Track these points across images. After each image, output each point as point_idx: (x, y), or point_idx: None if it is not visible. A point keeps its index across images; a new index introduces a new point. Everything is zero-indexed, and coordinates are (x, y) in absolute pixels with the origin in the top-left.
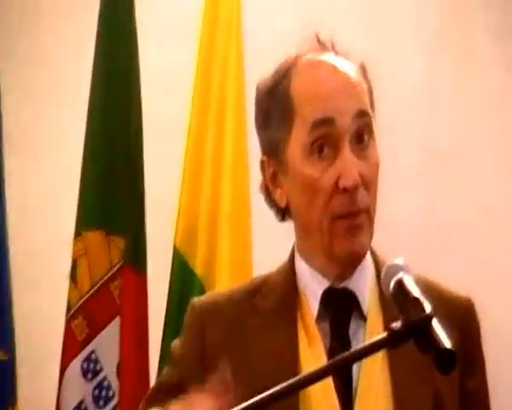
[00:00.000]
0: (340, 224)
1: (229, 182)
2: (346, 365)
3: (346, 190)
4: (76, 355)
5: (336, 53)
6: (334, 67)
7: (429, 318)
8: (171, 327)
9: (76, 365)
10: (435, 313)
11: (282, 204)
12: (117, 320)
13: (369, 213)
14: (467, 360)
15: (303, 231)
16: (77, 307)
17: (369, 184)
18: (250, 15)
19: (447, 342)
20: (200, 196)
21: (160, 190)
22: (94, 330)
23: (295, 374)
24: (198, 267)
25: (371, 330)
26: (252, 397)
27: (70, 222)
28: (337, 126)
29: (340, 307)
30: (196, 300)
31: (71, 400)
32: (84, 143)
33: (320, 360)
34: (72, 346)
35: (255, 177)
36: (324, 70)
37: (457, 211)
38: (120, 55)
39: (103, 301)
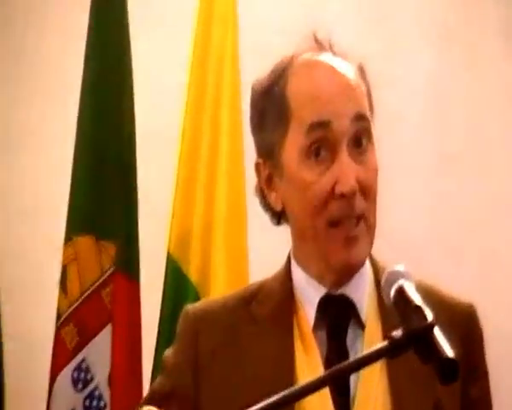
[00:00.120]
0: (337, 234)
1: (225, 186)
2: (347, 374)
3: (342, 195)
4: (66, 364)
5: (334, 53)
6: (332, 68)
7: (431, 326)
8: (165, 335)
9: (66, 374)
10: (437, 319)
11: (278, 208)
12: (108, 328)
13: (366, 219)
14: (469, 368)
15: (299, 238)
16: (67, 314)
17: (367, 190)
18: (246, 14)
19: (450, 352)
20: (194, 200)
21: (154, 193)
22: (85, 338)
23: (291, 384)
24: (192, 274)
25: (370, 338)
26: (247, 408)
27: (60, 227)
28: (334, 130)
29: (337, 315)
30: (190, 307)
31: None
32: (75, 145)
33: (316, 370)
34: (62, 354)
35: (251, 181)
36: (322, 71)
37: (463, 218)
38: (112, 54)
39: (94, 308)
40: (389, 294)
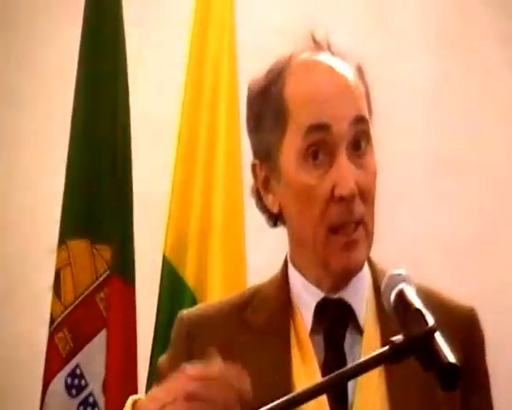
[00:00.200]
0: (336, 239)
1: (222, 188)
2: (344, 381)
3: (342, 199)
4: (59, 370)
5: (332, 53)
6: (331, 69)
7: (432, 331)
8: (161, 341)
9: (59, 380)
10: (437, 324)
11: (275, 210)
12: (103, 333)
13: (365, 224)
14: (470, 373)
15: (297, 242)
16: (60, 319)
17: (366, 193)
18: (243, 14)
19: (451, 357)
20: (191, 203)
21: (149, 195)
22: (79, 343)
23: (288, 391)
24: (189, 277)
25: (368, 344)
26: None
27: (53, 230)
28: (333, 133)
29: (334, 320)
30: (184, 312)
31: None
32: (69, 147)
33: (313, 377)
34: (55, 360)
35: (249, 183)
36: (320, 72)
37: (464, 223)
38: (106, 54)
39: (89, 312)
40: (389, 298)
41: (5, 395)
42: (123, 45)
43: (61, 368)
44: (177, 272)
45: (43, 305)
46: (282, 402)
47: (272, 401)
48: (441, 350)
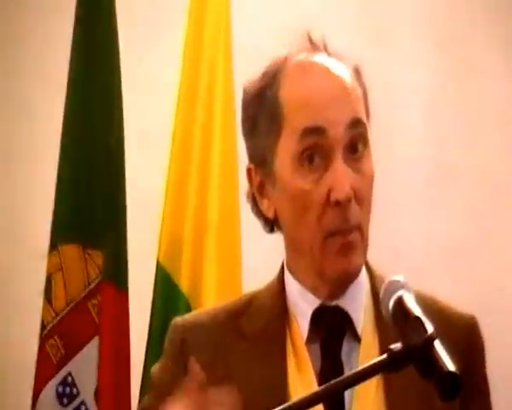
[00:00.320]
0: (332, 243)
1: (217, 191)
2: (341, 390)
3: (337, 203)
4: (51, 378)
5: (329, 54)
6: (327, 71)
7: (431, 339)
8: (155, 348)
9: (51, 388)
10: (437, 332)
11: (270, 215)
12: (95, 340)
13: (361, 230)
14: (470, 382)
15: (293, 247)
16: (52, 325)
17: (362, 198)
18: (239, 14)
19: (451, 366)
20: (185, 206)
21: (143, 199)
22: (70, 351)
23: (283, 401)
24: (183, 283)
25: (366, 352)
26: None
27: (45, 235)
28: (329, 137)
29: (331, 328)
30: (178, 319)
31: None
32: (60, 149)
33: (310, 386)
34: (46, 368)
35: (245, 187)
36: (316, 74)
37: (461, 229)
38: (100, 56)
39: (80, 319)
40: (388, 305)
41: None
42: (116, 45)
43: (52, 376)
44: (170, 278)
45: (33, 311)
46: None
47: None
48: (441, 359)
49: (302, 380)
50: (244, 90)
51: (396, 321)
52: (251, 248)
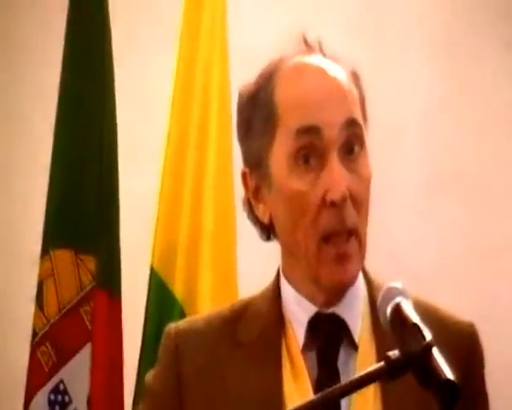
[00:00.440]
0: (328, 251)
1: (212, 196)
2: (338, 399)
3: (333, 204)
4: (42, 386)
5: (324, 55)
6: (322, 71)
7: (429, 346)
8: (148, 356)
9: (42, 396)
10: (435, 339)
11: (265, 220)
12: (88, 347)
13: (358, 235)
14: (468, 390)
15: (288, 253)
16: (43, 332)
17: (359, 200)
18: (235, 17)
19: (449, 373)
20: (180, 211)
21: (136, 204)
22: (62, 358)
23: None
24: (178, 290)
25: (363, 360)
26: None
27: (36, 239)
28: (323, 137)
29: (328, 335)
30: (172, 326)
31: None
32: (52, 153)
33: (305, 395)
34: (38, 376)
35: (241, 192)
36: (311, 74)
37: (461, 236)
38: (93, 60)
39: (73, 326)
40: (385, 312)
41: None
42: (109, 48)
43: (43, 384)
44: (165, 285)
45: (25, 317)
46: None
47: None
48: (439, 367)
49: (298, 388)
50: (239, 94)
51: (394, 328)
52: (246, 254)
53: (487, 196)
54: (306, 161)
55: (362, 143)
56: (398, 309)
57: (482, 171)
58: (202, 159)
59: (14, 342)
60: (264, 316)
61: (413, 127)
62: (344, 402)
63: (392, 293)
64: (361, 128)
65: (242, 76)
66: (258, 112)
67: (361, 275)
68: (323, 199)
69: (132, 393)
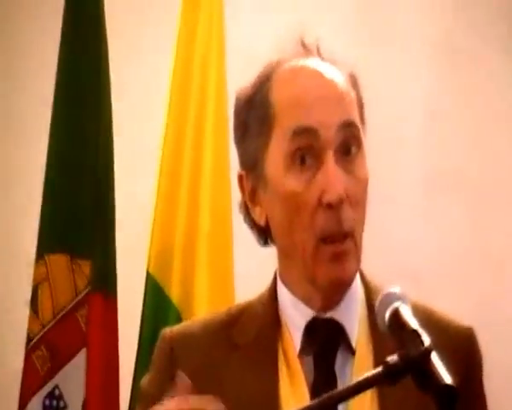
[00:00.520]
0: (325, 250)
1: (209, 199)
2: (335, 404)
3: (329, 205)
4: (37, 391)
5: (322, 58)
6: (319, 73)
7: (428, 351)
8: (144, 361)
9: (37, 401)
10: (434, 344)
11: (262, 223)
12: (83, 352)
13: (354, 237)
14: (467, 395)
15: (284, 255)
16: (38, 337)
17: (355, 201)
18: (233, 19)
19: (448, 378)
20: (176, 214)
21: (132, 207)
22: (58, 362)
23: None
24: (174, 293)
25: (360, 364)
26: None
27: (31, 244)
28: (320, 138)
29: (325, 340)
30: (168, 330)
31: None
32: (47, 156)
33: (302, 400)
34: (33, 380)
35: (237, 195)
36: (307, 75)
37: (462, 239)
38: (88, 60)
39: (68, 330)
40: (384, 317)
41: None
42: (105, 48)
43: (38, 389)
44: (161, 289)
45: (20, 322)
46: None
47: None
48: (438, 371)
49: (294, 393)
50: (236, 97)
51: (392, 333)
52: (243, 258)
53: (487, 197)
54: (302, 161)
55: (359, 145)
56: (396, 314)
57: (482, 172)
58: (199, 161)
59: (9, 347)
60: (261, 319)
61: (413, 129)
62: (341, 407)
63: (391, 298)
64: (358, 129)
65: (239, 77)
66: (254, 113)
67: (358, 279)
68: (320, 200)
69: (128, 398)
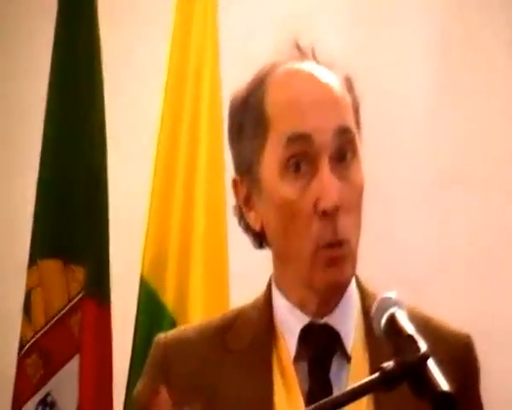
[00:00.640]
0: (321, 255)
1: (203, 203)
2: None
3: (325, 213)
4: (30, 398)
5: (317, 62)
6: (314, 77)
7: (425, 358)
8: (138, 367)
9: (30, 408)
10: (431, 351)
11: (257, 228)
12: (76, 359)
13: (350, 242)
14: (464, 405)
15: (280, 260)
16: (31, 343)
17: (350, 208)
18: (227, 21)
19: (445, 385)
20: (170, 219)
21: (126, 212)
22: (50, 369)
23: None
24: (168, 299)
25: (356, 371)
26: None
27: (24, 249)
28: (315, 144)
29: (320, 346)
30: (162, 336)
31: None
32: (40, 159)
33: (297, 407)
34: (25, 387)
35: (232, 199)
36: (302, 79)
37: (463, 241)
38: (81, 59)
39: (61, 337)
40: (380, 323)
41: None
42: (98, 48)
43: (31, 396)
44: (155, 294)
45: (12, 328)
46: None
47: None
48: (434, 378)
49: (289, 401)
50: (231, 99)
51: (388, 339)
52: (238, 263)
53: (489, 200)
54: (297, 167)
55: (354, 151)
56: (392, 320)
57: (482, 175)
58: (193, 165)
59: (2, 353)
60: (256, 324)
61: (412, 132)
62: None
63: (387, 303)
64: (353, 135)
65: (235, 77)
66: (249, 117)
67: (354, 285)
68: (315, 208)
69: (122, 404)
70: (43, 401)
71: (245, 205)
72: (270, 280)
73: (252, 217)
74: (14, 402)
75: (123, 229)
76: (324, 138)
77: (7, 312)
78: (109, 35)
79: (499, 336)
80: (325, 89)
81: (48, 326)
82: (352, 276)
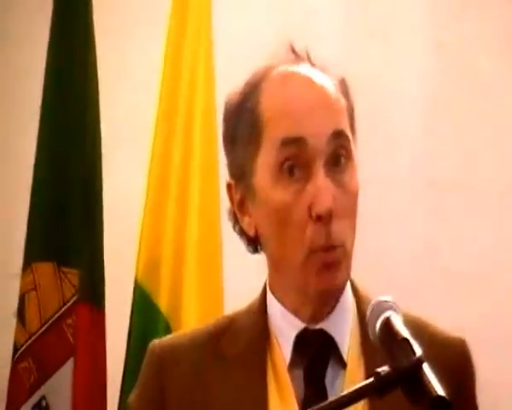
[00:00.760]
0: (315, 259)
1: (198, 207)
2: None
3: (319, 217)
4: (24, 402)
5: (312, 65)
6: (309, 80)
7: (420, 362)
8: (132, 371)
9: None
10: (426, 355)
11: (251, 233)
12: (70, 363)
13: (344, 248)
14: (459, 407)
15: (274, 265)
16: (25, 347)
17: (345, 213)
18: (222, 26)
19: (440, 390)
20: (164, 222)
21: (120, 215)
22: (44, 373)
23: None
24: (162, 303)
25: (351, 377)
26: None
27: (18, 252)
28: (309, 148)
29: (315, 352)
30: (156, 342)
31: None
32: (35, 162)
33: None
34: (19, 391)
35: (226, 203)
36: (297, 83)
37: (458, 248)
38: (76, 60)
39: (55, 340)
40: (375, 327)
41: None
42: (93, 51)
43: (24, 400)
44: (149, 298)
45: (6, 332)
46: None
47: None
48: (429, 382)
49: (283, 406)
50: (225, 103)
51: (383, 343)
52: (232, 267)
53: (490, 201)
54: (291, 172)
55: (349, 155)
56: (387, 324)
57: (480, 177)
58: (187, 169)
59: None
60: (250, 330)
61: (408, 136)
62: None
63: (382, 307)
64: (348, 140)
65: (229, 81)
66: (243, 121)
67: (350, 290)
68: (309, 212)
69: (116, 408)
70: (37, 406)
71: (239, 210)
72: (264, 285)
73: (246, 222)
74: (9, 407)
75: (117, 233)
76: (319, 142)
77: (2, 315)
78: (104, 37)
79: (498, 341)
80: (320, 92)
81: (42, 330)
82: (346, 281)
